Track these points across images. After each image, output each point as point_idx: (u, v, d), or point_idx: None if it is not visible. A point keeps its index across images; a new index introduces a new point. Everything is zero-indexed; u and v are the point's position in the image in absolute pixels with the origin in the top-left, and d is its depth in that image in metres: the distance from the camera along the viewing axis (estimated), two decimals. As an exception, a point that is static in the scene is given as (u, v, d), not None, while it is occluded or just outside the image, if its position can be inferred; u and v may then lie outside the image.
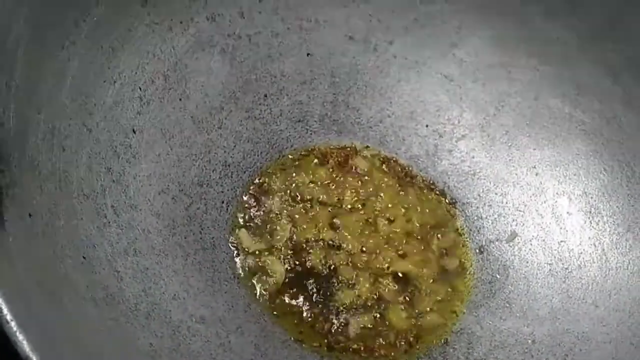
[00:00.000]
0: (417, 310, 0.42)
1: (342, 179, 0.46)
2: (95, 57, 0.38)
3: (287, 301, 0.40)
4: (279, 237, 0.42)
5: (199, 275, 0.38)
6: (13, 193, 0.29)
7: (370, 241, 0.44)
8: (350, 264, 0.43)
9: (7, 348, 0.25)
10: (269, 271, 0.41)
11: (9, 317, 0.24)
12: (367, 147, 0.48)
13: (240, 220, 0.43)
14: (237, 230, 0.42)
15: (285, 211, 0.44)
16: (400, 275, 0.43)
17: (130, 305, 0.34)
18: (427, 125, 0.48)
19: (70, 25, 0.36)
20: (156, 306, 0.35)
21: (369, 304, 0.42)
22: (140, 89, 0.40)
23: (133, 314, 0.34)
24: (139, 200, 0.38)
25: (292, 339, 0.39)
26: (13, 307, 0.24)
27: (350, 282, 0.42)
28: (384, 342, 0.41)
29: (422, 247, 0.45)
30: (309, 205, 0.44)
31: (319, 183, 0.45)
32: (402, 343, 0.41)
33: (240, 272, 0.41)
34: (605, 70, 0.44)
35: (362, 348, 0.40)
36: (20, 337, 0.24)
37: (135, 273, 0.36)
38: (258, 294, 0.40)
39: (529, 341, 0.41)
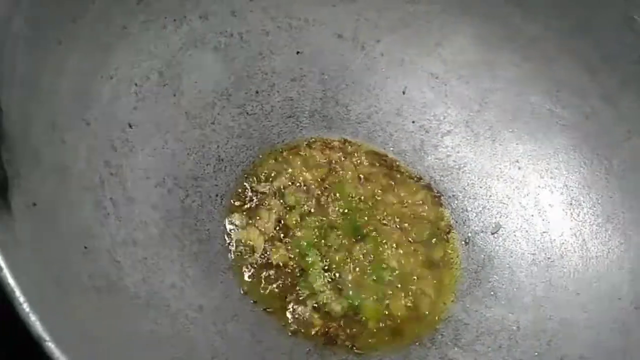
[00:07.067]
0: (406, 300, 0.43)
1: (332, 169, 0.47)
2: (92, 53, 0.38)
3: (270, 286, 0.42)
4: (268, 224, 0.44)
5: (195, 266, 0.39)
6: (19, 183, 0.30)
7: (360, 231, 0.45)
8: (339, 253, 0.44)
9: (16, 330, 0.25)
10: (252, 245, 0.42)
11: (22, 299, 0.25)
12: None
13: (235, 212, 0.44)
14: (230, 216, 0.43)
15: (277, 200, 0.45)
16: (388, 264, 0.44)
17: (130, 294, 0.35)
18: (413, 122, 0.49)
19: (68, 22, 0.37)
20: (155, 295, 0.36)
21: (356, 292, 0.43)
22: (136, 84, 0.41)
23: (133, 302, 0.35)
24: (137, 192, 0.39)
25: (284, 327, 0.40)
26: (25, 291, 0.25)
27: (338, 269, 0.43)
28: (373, 330, 0.42)
29: (410, 238, 0.46)
30: (299, 193, 0.45)
31: (311, 172, 0.46)
32: (392, 331, 0.42)
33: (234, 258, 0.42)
34: (583, 68, 0.46)
35: (350, 336, 0.41)
36: (32, 318, 0.25)
37: (134, 263, 0.36)
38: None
39: (514, 327, 0.42)
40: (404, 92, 0.50)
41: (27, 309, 0.25)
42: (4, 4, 0.32)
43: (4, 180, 0.29)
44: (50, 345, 0.24)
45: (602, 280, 0.43)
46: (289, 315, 0.41)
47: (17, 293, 0.25)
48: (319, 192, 0.46)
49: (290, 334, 0.40)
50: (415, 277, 0.44)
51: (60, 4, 0.36)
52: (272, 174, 0.46)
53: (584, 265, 0.44)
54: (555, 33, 0.46)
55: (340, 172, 0.47)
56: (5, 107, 0.30)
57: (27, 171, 0.31)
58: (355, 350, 0.41)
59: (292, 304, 0.41)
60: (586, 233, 0.45)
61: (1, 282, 0.25)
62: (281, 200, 0.45)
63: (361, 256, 0.44)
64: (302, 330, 0.41)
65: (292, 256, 0.43)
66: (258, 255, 0.42)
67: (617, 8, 0.43)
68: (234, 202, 0.44)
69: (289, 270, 0.42)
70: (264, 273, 0.42)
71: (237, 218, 0.44)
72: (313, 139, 0.48)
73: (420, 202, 0.48)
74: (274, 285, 0.42)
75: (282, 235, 0.44)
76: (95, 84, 0.38)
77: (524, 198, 0.47)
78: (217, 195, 0.44)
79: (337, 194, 0.46)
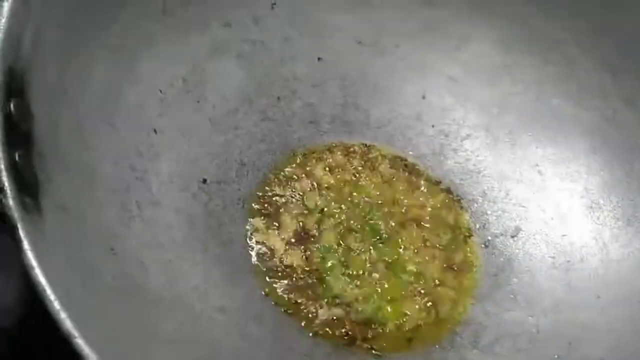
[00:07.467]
0: (426, 302, 0.44)
1: (352, 174, 0.48)
2: (119, 60, 0.39)
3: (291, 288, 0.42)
4: (289, 228, 0.44)
5: (218, 268, 0.40)
6: (49, 186, 0.31)
7: (380, 234, 0.45)
8: (359, 256, 0.44)
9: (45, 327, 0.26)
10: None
11: (52, 297, 0.26)
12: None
13: (256, 215, 0.45)
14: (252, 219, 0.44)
15: (298, 204, 0.46)
16: (407, 267, 0.45)
17: (154, 295, 0.36)
18: (433, 126, 0.50)
19: (98, 30, 0.38)
20: (178, 297, 0.37)
21: (375, 295, 0.43)
22: (160, 91, 0.42)
23: (157, 303, 0.36)
24: (161, 196, 0.40)
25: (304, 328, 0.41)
26: (55, 289, 0.26)
27: (358, 272, 0.44)
28: (393, 332, 0.42)
29: (430, 242, 0.46)
30: (320, 197, 0.46)
31: (331, 176, 0.47)
32: (411, 333, 0.43)
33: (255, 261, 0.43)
34: (604, 69, 0.46)
35: (369, 338, 0.42)
36: (62, 315, 0.26)
37: (159, 265, 0.37)
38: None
39: (534, 330, 0.42)
40: (423, 97, 0.50)
41: (58, 307, 0.26)
42: (37, 13, 0.33)
43: (35, 183, 0.30)
44: (80, 342, 0.25)
45: (623, 283, 0.43)
46: (309, 316, 0.42)
47: (48, 291, 0.26)
48: (340, 196, 0.47)
49: (310, 335, 0.41)
50: (434, 280, 0.45)
51: (90, 13, 0.37)
52: (293, 178, 0.47)
53: (604, 268, 0.44)
54: (576, 34, 0.46)
55: (361, 176, 0.48)
56: (36, 113, 0.31)
57: (57, 174, 0.32)
58: (374, 352, 0.41)
59: (312, 305, 0.42)
60: (606, 236, 0.45)
61: (33, 281, 0.26)
62: (302, 204, 0.46)
63: (381, 259, 0.45)
64: (322, 332, 0.41)
65: (313, 259, 0.44)
66: (279, 258, 0.43)
67: (638, 8, 0.44)
68: (256, 206, 0.45)
69: (309, 273, 0.43)
70: (285, 275, 0.43)
71: (258, 221, 0.44)
72: (334, 144, 0.49)
73: (440, 205, 0.48)
74: (295, 288, 0.42)
75: (302, 238, 0.44)
76: (121, 91, 0.40)
77: (543, 201, 0.48)
78: (239, 199, 0.44)
79: (358, 198, 0.47)
